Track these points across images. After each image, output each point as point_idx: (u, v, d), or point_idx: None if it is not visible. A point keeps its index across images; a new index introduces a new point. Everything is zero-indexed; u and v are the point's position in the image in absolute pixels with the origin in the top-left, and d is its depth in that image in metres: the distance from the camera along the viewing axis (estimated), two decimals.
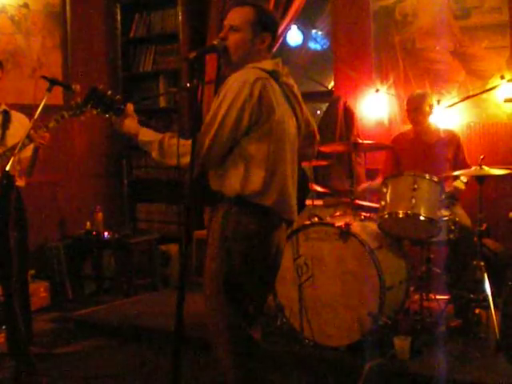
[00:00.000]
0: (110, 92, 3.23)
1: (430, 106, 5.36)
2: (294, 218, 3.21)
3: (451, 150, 5.32)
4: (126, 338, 5.24)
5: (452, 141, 5.36)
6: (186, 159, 2.93)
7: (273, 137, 3.04)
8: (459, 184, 5.17)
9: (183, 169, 3.01)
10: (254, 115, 2.99)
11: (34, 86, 6.13)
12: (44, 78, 4.17)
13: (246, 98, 2.96)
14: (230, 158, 3.04)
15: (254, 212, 3.03)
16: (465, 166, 5.17)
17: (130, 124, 3.20)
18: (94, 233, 6.54)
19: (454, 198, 5.10)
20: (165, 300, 6.04)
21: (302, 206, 3.36)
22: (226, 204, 3.05)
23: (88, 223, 6.60)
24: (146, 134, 3.15)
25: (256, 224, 3.04)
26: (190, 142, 2.96)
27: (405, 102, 5.51)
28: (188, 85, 6.66)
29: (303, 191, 3.34)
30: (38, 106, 3.98)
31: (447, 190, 4.89)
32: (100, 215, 6.61)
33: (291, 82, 3.26)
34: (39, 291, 6.08)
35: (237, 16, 3.17)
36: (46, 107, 3.98)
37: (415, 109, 5.33)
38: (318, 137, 3.48)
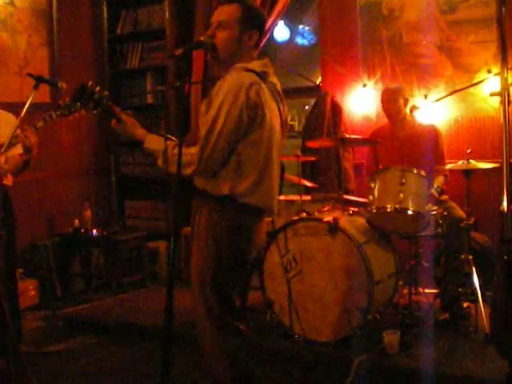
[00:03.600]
0: (98, 88, 3.24)
1: (405, 100, 5.34)
2: (275, 214, 3.37)
3: (428, 144, 5.26)
4: (116, 335, 5.23)
5: (429, 135, 5.28)
6: (189, 169, 3.02)
7: (263, 141, 3.12)
8: (434, 192, 5.07)
9: (186, 178, 3.06)
10: (250, 119, 3.05)
11: (21, 83, 6.11)
12: (30, 75, 4.14)
13: (243, 103, 3.01)
14: None
15: (240, 209, 3.11)
16: (441, 161, 5.17)
17: (135, 131, 3.25)
18: (83, 230, 6.54)
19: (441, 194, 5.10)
20: (154, 297, 6.03)
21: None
22: (213, 202, 3.11)
23: (76, 221, 6.59)
24: (152, 142, 3.20)
25: (242, 220, 3.14)
26: (192, 151, 3.01)
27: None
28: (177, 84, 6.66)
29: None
30: (24, 104, 3.96)
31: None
32: (88, 213, 6.59)
33: (275, 80, 3.31)
34: (28, 290, 6.07)
35: (224, 13, 3.20)
36: (32, 105, 3.95)
37: (389, 100, 5.33)
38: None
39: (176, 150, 2.99)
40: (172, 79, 6.86)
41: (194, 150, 3.05)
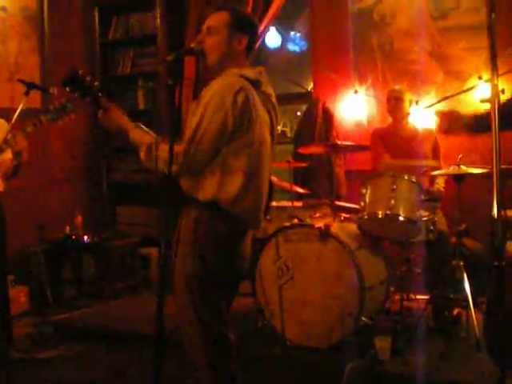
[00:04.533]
0: (89, 77, 3.22)
1: (410, 102, 5.48)
2: (259, 226, 3.31)
3: (428, 145, 5.41)
4: (107, 342, 5.21)
5: (429, 137, 5.49)
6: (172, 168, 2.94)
7: (252, 148, 3.07)
8: (440, 186, 5.28)
9: (163, 175, 3.02)
10: (236, 124, 3.00)
11: (12, 89, 6.09)
12: (21, 81, 4.14)
13: (229, 107, 2.97)
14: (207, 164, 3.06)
15: (226, 218, 3.06)
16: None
17: (119, 120, 3.20)
18: (74, 237, 6.51)
19: (436, 200, 5.14)
20: (145, 303, 6.01)
21: (265, 211, 3.37)
22: (199, 208, 3.07)
23: (67, 227, 6.56)
24: (137, 134, 3.15)
25: (227, 229, 3.08)
26: (176, 149, 2.97)
27: (385, 99, 5.57)
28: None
29: (267, 198, 3.35)
30: (15, 110, 3.95)
31: (431, 189, 4.99)
32: (79, 219, 6.57)
33: (270, 91, 3.27)
34: (19, 296, 6.03)
35: (214, 19, 3.20)
36: (23, 111, 3.96)
37: (396, 98, 5.44)
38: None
39: (160, 147, 2.98)
40: (164, 78, 6.84)
41: (177, 148, 3.00)
